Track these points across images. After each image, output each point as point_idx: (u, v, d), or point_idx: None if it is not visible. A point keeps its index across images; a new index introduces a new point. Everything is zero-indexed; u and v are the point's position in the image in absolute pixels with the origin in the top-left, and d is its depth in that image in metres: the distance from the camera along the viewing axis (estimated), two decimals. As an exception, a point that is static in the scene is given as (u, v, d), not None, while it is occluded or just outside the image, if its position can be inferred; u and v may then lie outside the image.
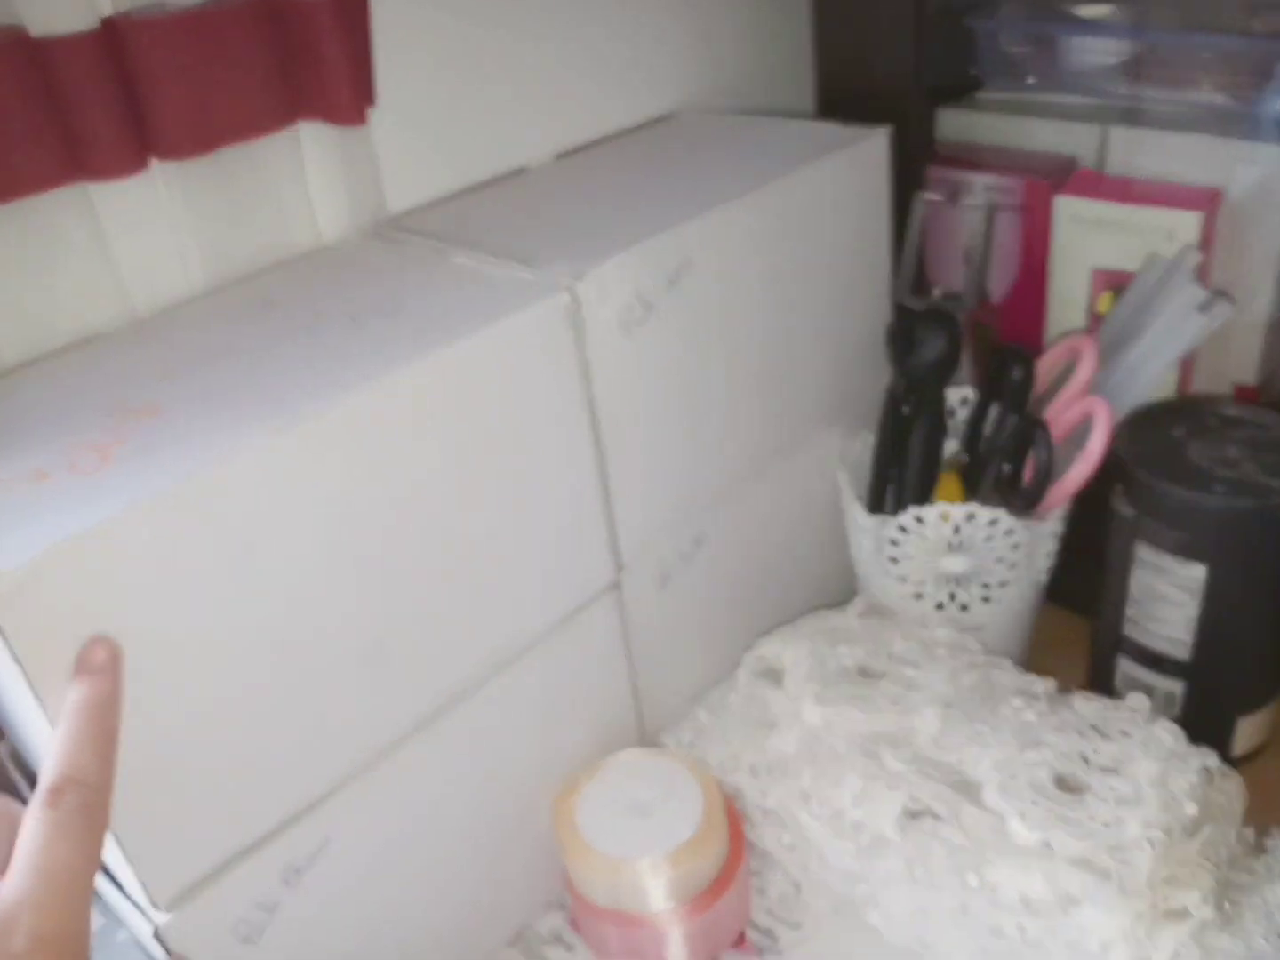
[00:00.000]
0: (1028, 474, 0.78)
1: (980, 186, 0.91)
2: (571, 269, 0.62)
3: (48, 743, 0.43)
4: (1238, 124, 0.83)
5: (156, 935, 0.52)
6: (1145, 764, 0.63)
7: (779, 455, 0.81)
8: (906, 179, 0.84)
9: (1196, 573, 0.70)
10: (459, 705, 0.63)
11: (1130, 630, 0.77)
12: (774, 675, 0.76)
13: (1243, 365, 0.88)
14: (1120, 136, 0.88)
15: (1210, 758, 0.65)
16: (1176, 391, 0.88)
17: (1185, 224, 0.82)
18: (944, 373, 0.83)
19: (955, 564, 0.79)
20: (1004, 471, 0.78)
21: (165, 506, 0.47)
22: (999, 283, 0.95)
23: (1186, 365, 0.87)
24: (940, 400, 0.84)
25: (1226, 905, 0.61)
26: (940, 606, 0.82)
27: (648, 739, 0.79)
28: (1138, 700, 0.69)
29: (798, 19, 0.96)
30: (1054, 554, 0.82)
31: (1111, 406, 0.75)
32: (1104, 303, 0.88)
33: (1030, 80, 0.95)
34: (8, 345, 0.60)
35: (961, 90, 0.99)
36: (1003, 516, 0.75)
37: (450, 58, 0.76)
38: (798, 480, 0.84)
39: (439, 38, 0.76)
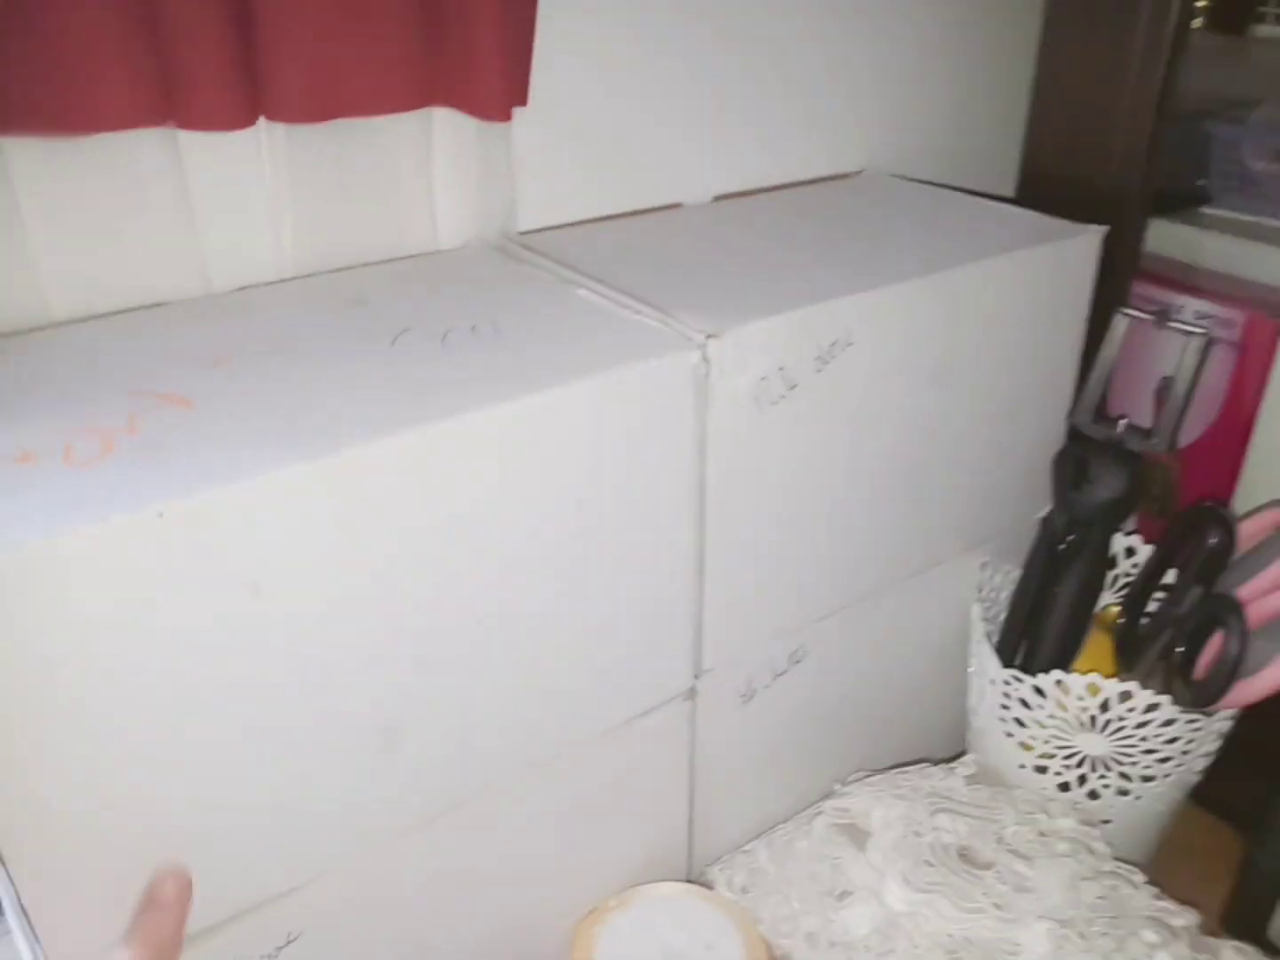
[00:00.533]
0: (1203, 659, 0.65)
1: (1193, 313, 0.79)
2: (709, 324, 0.53)
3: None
4: None
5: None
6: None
7: (906, 575, 0.71)
8: (1109, 290, 0.73)
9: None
10: (473, 802, 0.54)
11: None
12: (856, 834, 0.66)
13: None
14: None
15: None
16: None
17: None
18: (1116, 516, 0.72)
19: (1095, 745, 0.67)
20: (1175, 652, 0.65)
21: (141, 529, 0.38)
22: (1192, 424, 0.82)
23: None
24: (1105, 546, 0.73)
25: None
26: (1065, 788, 0.70)
27: (694, 873, 0.69)
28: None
29: (1014, 91, 0.85)
30: (1214, 754, 0.69)
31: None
32: (1321, 469, 0.75)
33: (1269, 202, 0.83)
34: (60, 297, 0.53)
35: (1185, 202, 0.88)
36: (1165, 704, 0.63)
37: (615, 72, 0.69)
38: (922, 607, 0.73)
39: (607, 48, 0.68)
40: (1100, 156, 0.78)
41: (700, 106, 0.74)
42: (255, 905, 0.48)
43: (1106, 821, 0.70)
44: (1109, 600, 0.78)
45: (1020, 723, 0.70)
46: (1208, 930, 0.61)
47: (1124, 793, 0.69)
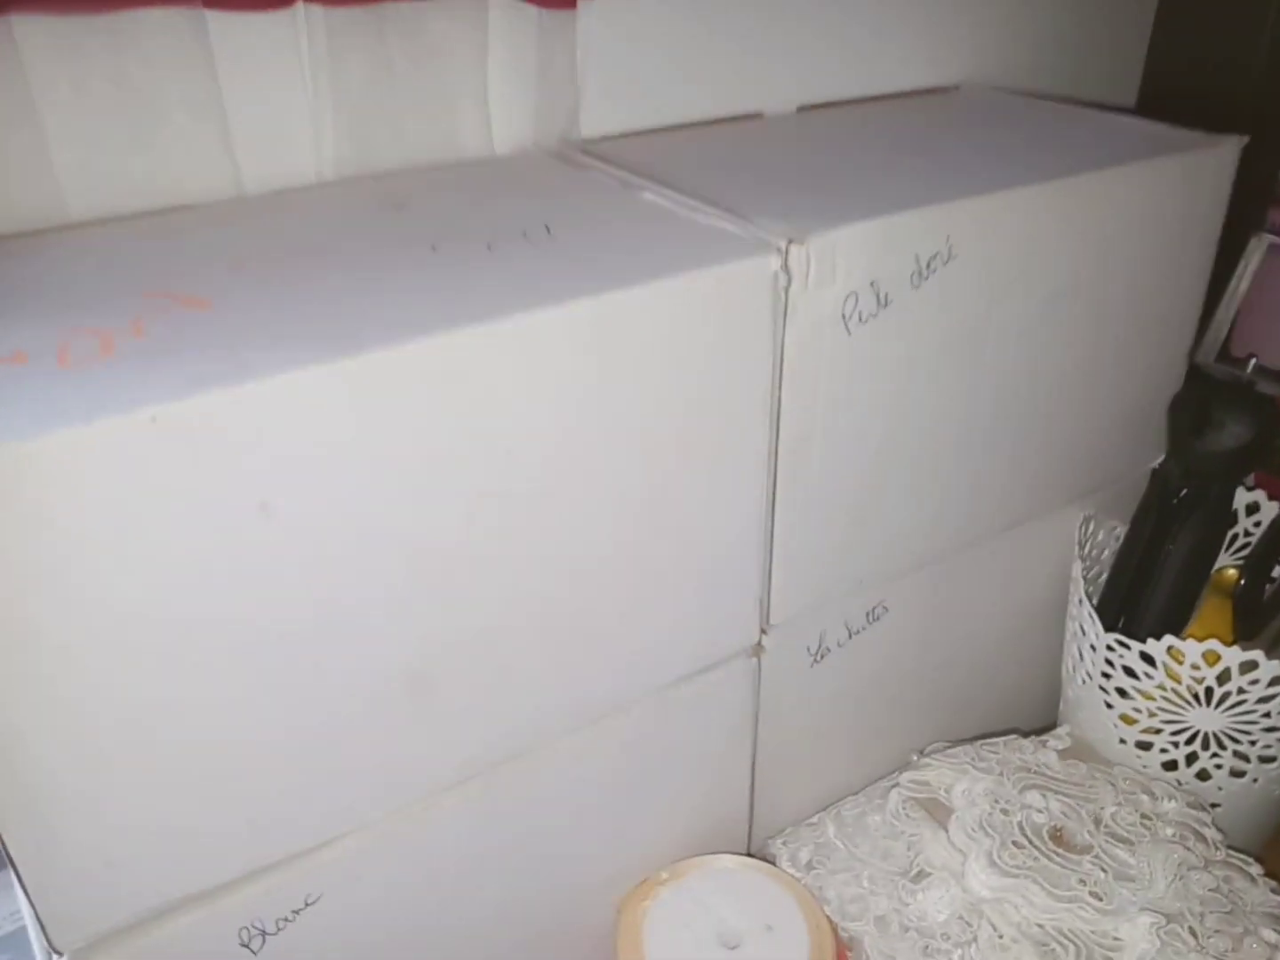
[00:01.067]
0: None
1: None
2: (790, 228, 0.47)
3: None
4: None
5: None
6: None
7: (1001, 527, 0.65)
8: (1243, 212, 0.65)
9: None
10: (513, 761, 0.50)
11: None
12: (935, 810, 0.61)
13: None
14: None
15: None
16: None
17: None
18: (1238, 468, 0.67)
19: (1209, 720, 0.61)
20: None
21: (131, 435, 0.34)
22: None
23: None
24: (1227, 501, 0.67)
25: None
26: (1171, 766, 0.65)
27: (755, 845, 0.65)
28: None
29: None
30: (1343, 736, 0.62)
31: None
32: None
33: None
34: (76, 196, 0.49)
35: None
36: (1296, 678, 0.56)
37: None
38: (1016, 564, 0.68)
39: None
40: (1238, 68, 0.70)
41: (785, 6, 0.67)
42: (272, 863, 0.44)
43: (1216, 805, 0.64)
44: (1225, 561, 0.71)
45: (1123, 693, 0.64)
46: (1334, 932, 0.55)
47: (1239, 774, 0.63)
